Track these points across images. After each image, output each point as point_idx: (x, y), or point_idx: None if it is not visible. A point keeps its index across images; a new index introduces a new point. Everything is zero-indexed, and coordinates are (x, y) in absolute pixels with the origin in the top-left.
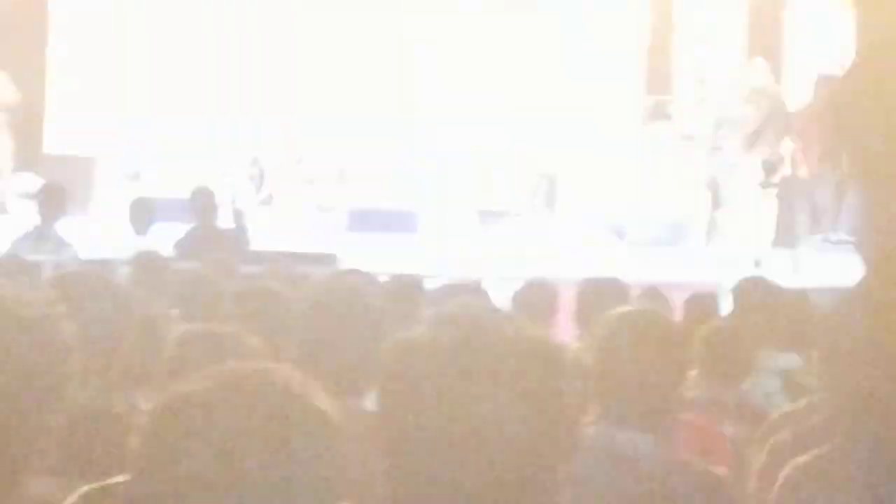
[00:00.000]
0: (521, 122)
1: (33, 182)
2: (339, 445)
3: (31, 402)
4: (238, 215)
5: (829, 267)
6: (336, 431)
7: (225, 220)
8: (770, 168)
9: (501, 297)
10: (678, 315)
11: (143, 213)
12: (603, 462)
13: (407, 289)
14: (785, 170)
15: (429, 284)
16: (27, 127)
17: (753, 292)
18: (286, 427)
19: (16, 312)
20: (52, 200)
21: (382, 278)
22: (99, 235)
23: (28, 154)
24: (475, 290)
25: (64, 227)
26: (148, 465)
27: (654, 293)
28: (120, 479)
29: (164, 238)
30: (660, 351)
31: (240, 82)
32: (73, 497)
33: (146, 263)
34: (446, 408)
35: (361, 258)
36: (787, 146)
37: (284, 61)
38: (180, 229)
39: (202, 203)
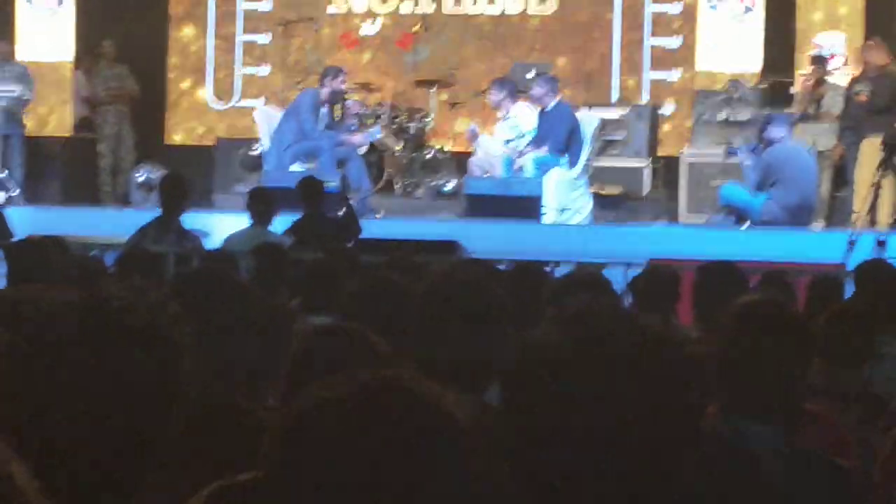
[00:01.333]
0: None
1: (155, 173)
2: (471, 455)
3: (147, 409)
4: (349, 203)
5: None
6: (469, 441)
7: (334, 209)
8: (892, 148)
9: (622, 281)
10: (800, 298)
11: (262, 203)
12: (726, 454)
13: (528, 278)
14: None
15: (549, 270)
16: (149, 119)
17: (875, 276)
18: (421, 436)
19: (125, 322)
20: (175, 191)
21: (503, 266)
22: (220, 226)
23: (150, 145)
24: (596, 279)
25: (186, 217)
26: (283, 465)
27: (774, 277)
28: (249, 475)
29: (277, 228)
30: (784, 342)
31: (361, 72)
32: (204, 493)
33: (266, 254)
34: (570, 405)
35: (480, 243)
36: None
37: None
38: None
39: (310, 192)
